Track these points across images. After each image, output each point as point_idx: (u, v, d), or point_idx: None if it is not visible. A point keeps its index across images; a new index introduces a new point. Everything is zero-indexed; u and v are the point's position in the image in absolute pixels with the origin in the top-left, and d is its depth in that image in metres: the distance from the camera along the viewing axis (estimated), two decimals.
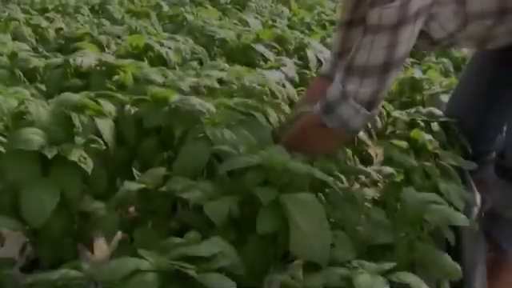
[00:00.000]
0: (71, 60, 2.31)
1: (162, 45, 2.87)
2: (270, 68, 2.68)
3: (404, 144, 2.05)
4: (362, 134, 2.12)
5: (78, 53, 2.44)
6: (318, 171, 1.38)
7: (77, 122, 1.54)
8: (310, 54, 2.94)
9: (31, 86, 2.44)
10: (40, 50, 3.19)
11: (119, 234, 1.52)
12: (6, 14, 4.30)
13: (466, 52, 4.49)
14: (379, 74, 1.73)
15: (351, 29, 2.16)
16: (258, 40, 3.19)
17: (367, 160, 2.23)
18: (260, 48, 3.08)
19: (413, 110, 2.38)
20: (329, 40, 3.88)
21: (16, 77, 2.42)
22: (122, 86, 2.32)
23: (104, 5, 5.33)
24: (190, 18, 4.65)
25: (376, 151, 2.16)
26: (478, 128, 2.40)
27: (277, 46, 3.29)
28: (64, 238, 1.56)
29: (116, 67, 2.27)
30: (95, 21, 4.45)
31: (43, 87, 2.45)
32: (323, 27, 4.57)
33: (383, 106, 2.44)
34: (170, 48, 2.88)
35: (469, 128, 2.37)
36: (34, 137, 1.48)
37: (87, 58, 2.30)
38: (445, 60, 4.00)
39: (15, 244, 1.54)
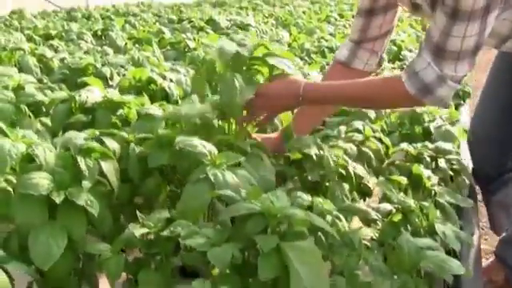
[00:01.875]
0: (77, 96, 2.36)
1: (164, 77, 2.92)
2: None
3: (403, 180, 2.09)
4: (361, 168, 2.17)
5: (83, 89, 2.49)
6: (317, 218, 1.42)
7: (83, 166, 1.59)
8: None
9: (36, 120, 2.49)
10: (45, 81, 3.23)
11: (123, 276, 1.57)
12: (11, 41, 4.37)
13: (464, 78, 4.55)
14: (471, 57, 1.82)
15: (371, 17, 2.23)
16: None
17: (366, 192, 2.28)
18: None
19: (419, 145, 2.42)
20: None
21: (21, 111, 2.47)
22: (126, 121, 2.38)
23: (106, 31, 5.40)
24: (191, 44, 4.72)
25: (375, 185, 2.21)
26: (501, 147, 2.47)
27: None
28: (69, 277, 1.61)
29: (120, 103, 2.32)
30: (98, 49, 4.52)
31: (48, 121, 2.51)
32: (323, 54, 4.63)
33: (381, 140, 2.48)
34: (171, 80, 2.93)
35: (492, 147, 2.46)
36: (43, 181, 1.53)
37: (92, 94, 2.35)
38: None
39: (22, 283, 1.58)
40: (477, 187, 2.73)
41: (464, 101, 4.31)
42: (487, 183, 2.74)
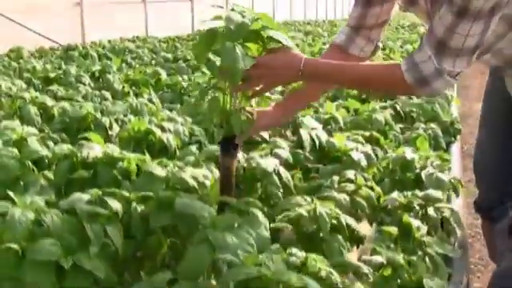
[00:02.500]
0: (78, 153, 2.46)
1: (162, 128, 3.03)
2: (265, 152, 2.82)
3: (394, 230, 2.18)
4: (352, 221, 2.26)
5: (85, 145, 2.59)
6: (311, 281, 1.51)
7: (90, 232, 1.68)
8: (303, 133, 3.08)
9: (40, 174, 2.59)
10: (46, 130, 3.33)
11: None
12: (11, 87, 4.49)
13: (454, 116, 4.68)
14: (470, 54, 1.90)
15: (369, 7, 2.29)
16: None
17: (359, 239, 2.36)
18: None
19: (409, 193, 2.51)
20: (321, 110, 4.06)
21: (26, 167, 2.57)
22: (126, 174, 2.48)
23: (104, 73, 5.52)
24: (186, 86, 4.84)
25: (366, 232, 2.30)
26: (503, 177, 2.57)
27: None
28: None
29: (120, 159, 2.42)
30: (96, 93, 4.63)
31: (51, 174, 2.61)
32: None
33: (373, 188, 2.58)
34: (170, 130, 3.03)
35: (494, 177, 2.57)
36: (51, 248, 1.62)
37: (93, 150, 2.45)
38: (433, 125, 4.16)
39: None
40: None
41: (455, 138, 4.42)
42: (489, 210, 2.83)
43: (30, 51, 8.94)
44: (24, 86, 4.91)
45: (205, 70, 6.12)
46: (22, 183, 2.53)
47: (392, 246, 2.15)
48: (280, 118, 2.38)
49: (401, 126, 4.22)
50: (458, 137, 4.47)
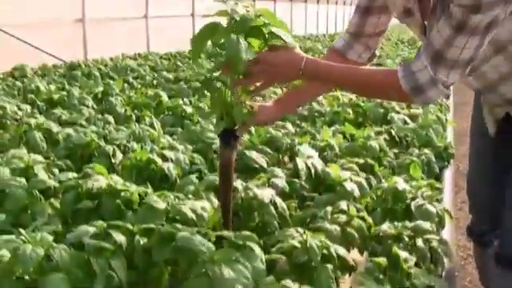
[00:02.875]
0: (83, 184, 2.58)
1: (163, 157, 3.15)
2: (262, 181, 2.95)
3: (383, 261, 2.30)
4: (343, 250, 2.37)
5: (89, 174, 2.73)
6: None
7: (96, 267, 1.80)
8: (299, 162, 3.20)
9: (46, 203, 2.71)
10: (51, 157, 3.45)
11: None
12: (19, 112, 4.62)
13: (448, 141, 4.79)
14: (464, 67, 2.02)
15: (367, 16, 2.43)
16: (251, 146, 3.47)
17: (351, 267, 2.48)
18: (253, 155, 3.36)
19: (399, 224, 2.63)
20: (318, 136, 4.18)
21: (33, 196, 2.69)
22: (128, 204, 2.60)
23: (106, 95, 5.65)
24: (188, 110, 4.97)
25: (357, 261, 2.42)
26: (493, 206, 2.67)
27: (269, 150, 3.56)
28: None
29: (123, 191, 2.54)
30: (99, 116, 4.76)
31: (57, 203, 2.73)
32: (313, 122, 4.88)
33: (364, 219, 2.69)
34: (171, 159, 3.16)
35: (484, 207, 2.76)
36: (59, 283, 1.74)
37: (97, 182, 2.57)
38: (427, 151, 4.28)
39: None
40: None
41: (448, 162, 4.54)
42: (481, 236, 2.94)
43: (34, 69, 9.07)
44: (29, 108, 5.03)
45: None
46: (29, 212, 2.66)
47: (381, 276, 2.26)
48: (279, 113, 2.48)
49: (395, 150, 4.34)
50: (452, 161, 4.59)
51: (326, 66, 2.21)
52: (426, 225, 2.61)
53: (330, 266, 2.28)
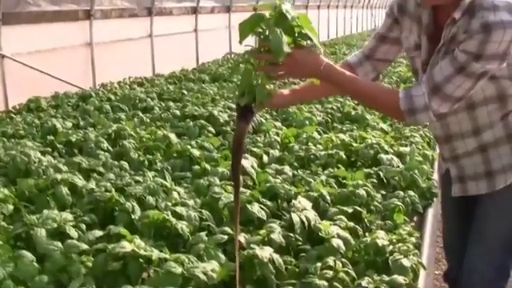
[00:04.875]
0: (111, 249, 3.10)
1: (176, 213, 3.68)
2: (262, 236, 3.47)
3: None
4: None
5: (115, 238, 3.25)
6: None
7: None
8: (294, 217, 3.71)
9: (81, 265, 3.20)
10: (78, 213, 3.95)
11: None
12: (44, 161, 5.13)
13: (431, 181, 5.26)
14: (455, 102, 2.48)
15: (382, 43, 2.91)
16: (252, 199, 3.97)
17: None
18: (255, 208, 3.87)
19: (378, 278, 3.11)
20: (313, 183, 4.67)
21: (69, 258, 3.19)
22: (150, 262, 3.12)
23: (119, 137, 6.20)
24: (195, 153, 5.50)
25: None
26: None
27: (268, 203, 4.07)
28: None
29: (145, 257, 3.06)
30: (115, 163, 5.29)
31: (89, 262, 3.23)
32: (309, 165, 5.39)
33: (348, 272, 3.18)
34: (183, 217, 3.68)
35: (460, 253, 3.06)
36: None
37: (123, 249, 3.07)
38: (411, 193, 4.78)
39: None
40: None
41: (432, 200, 5.01)
42: (455, 282, 3.27)
43: (46, 98, 9.55)
44: (49, 155, 5.53)
45: (211, 129, 6.79)
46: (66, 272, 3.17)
47: None
48: (291, 101, 3.00)
49: (383, 192, 4.84)
50: (435, 199, 5.05)
51: (340, 73, 2.60)
52: (400, 279, 3.11)
53: None
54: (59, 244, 3.28)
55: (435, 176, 5.32)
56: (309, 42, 2.50)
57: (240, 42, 2.46)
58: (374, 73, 2.97)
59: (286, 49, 2.36)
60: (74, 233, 3.53)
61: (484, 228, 2.89)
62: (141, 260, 3.11)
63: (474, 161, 2.78)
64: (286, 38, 2.37)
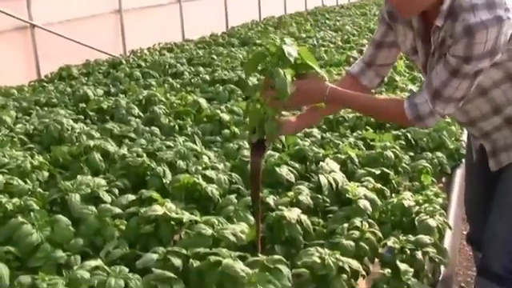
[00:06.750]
0: (143, 212, 3.20)
1: (206, 177, 3.77)
2: (291, 198, 3.55)
3: (388, 273, 2.88)
4: (355, 262, 2.94)
5: (147, 202, 3.35)
6: None
7: None
8: (322, 179, 3.78)
9: (115, 228, 3.31)
10: (111, 177, 4.06)
11: None
12: (76, 127, 5.26)
13: (461, 142, 5.26)
14: (458, 102, 2.53)
15: (380, 49, 2.91)
16: (281, 162, 4.05)
17: (362, 275, 3.04)
18: (284, 171, 3.94)
19: (404, 238, 3.17)
20: (341, 145, 4.72)
21: (104, 222, 3.31)
22: (181, 224, 3.21)
23: (150, 103, 6.30)
24: (224, 118, 5.57)
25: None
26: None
27: (296, 165, 4.14)
28: None
29: (176, 219, 3.16)
30: (147, 129, 5.39)
31: (122, 225, 3.34)
32: (337, 127, 5.43)
33: (374, 233, 3.24)
34: (213, 180, 3.77)
35: (481, 215, 3.07)
36: None
37: (155, 212, 3.17)
38: (439, 154, 4.80)
39: None
40: None
41: (460, 161, 5.01)
42: (478, 243, 3.18)
43: (77, 66, 9.70)
44: (82, 123, 5.66)
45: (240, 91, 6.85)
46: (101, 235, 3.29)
47: (385, 286, 2.85)
48: (300, 127, 3.00)
49: (411, 153, 4.88)
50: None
51: (345, 94, 2.70)
52: (426, 239, 3.16)
53: (344, 276, 2.88)
54: (93, 208, 3.39)
55: (464, 137, 5.32)
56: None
57: (246, 78, 2.61)
58: (378, 78, 2.98)
59: (291, 90, 2.51)
60: (107, 197, 3.64)
61: (507, 200, 2.91)
62: (172, 222, 3.21)
63: (504, 134, 2.79)
64: (289, 78, 2.52)
